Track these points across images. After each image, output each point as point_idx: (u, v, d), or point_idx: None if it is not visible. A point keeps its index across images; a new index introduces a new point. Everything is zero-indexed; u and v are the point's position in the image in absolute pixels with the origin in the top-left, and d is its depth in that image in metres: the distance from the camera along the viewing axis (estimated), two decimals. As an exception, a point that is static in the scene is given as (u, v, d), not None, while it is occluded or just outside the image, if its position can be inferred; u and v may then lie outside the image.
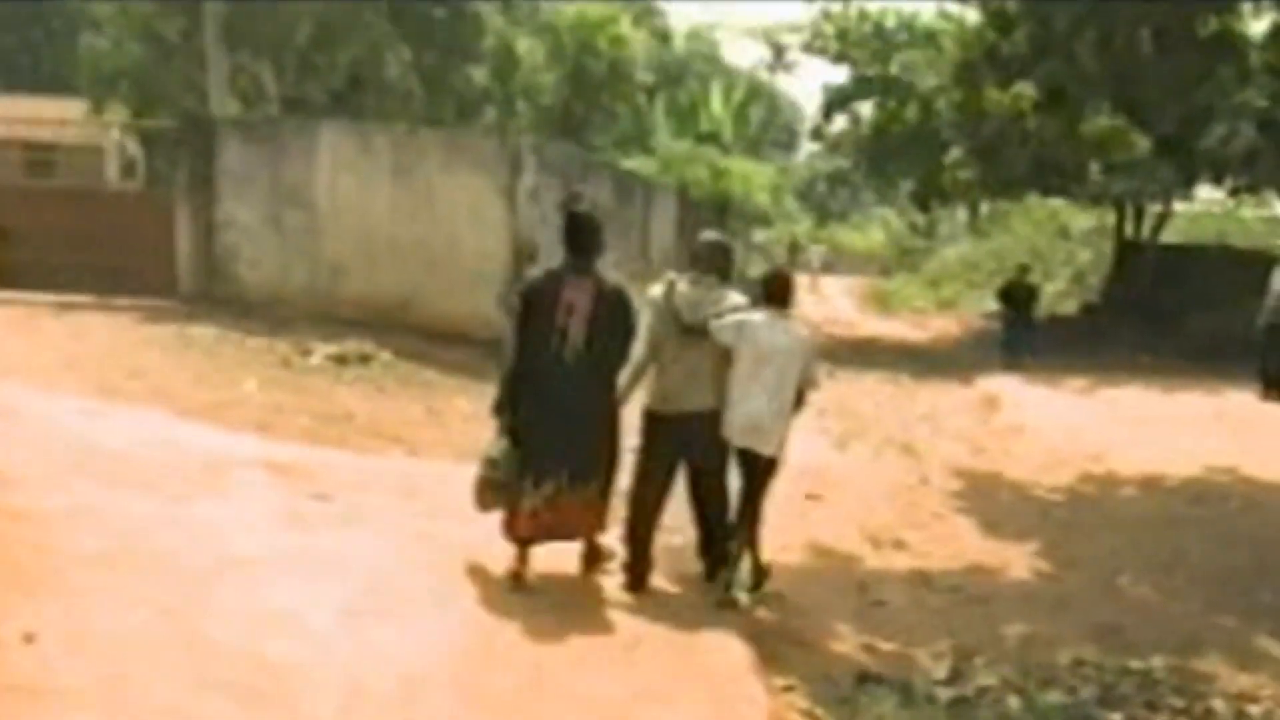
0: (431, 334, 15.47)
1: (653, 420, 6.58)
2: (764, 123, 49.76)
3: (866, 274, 50.18)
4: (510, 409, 6.34)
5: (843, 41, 24.20)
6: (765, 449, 6.47)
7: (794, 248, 47.00)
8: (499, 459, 6.29)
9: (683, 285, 6.57)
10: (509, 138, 17.69)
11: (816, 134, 26.17)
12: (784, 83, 68.07)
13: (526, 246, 15.98)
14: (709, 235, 6.92)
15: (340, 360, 14.02)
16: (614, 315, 6.30)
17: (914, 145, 23.28)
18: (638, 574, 6.61)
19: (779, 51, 24.72)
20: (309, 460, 9.14)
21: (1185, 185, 20.74)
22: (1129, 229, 25.19)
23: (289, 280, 16.44)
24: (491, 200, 16.08)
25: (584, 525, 6.48)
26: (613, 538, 6.90)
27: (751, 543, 6.71)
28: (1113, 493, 11.13)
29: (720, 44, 54.15)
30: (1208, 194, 25.85)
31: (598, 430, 6.35)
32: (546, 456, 6.23)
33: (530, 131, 26.32)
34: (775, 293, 6.60)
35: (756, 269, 38.88)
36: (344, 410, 11.80)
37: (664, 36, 47.25)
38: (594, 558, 6.70)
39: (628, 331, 6.41)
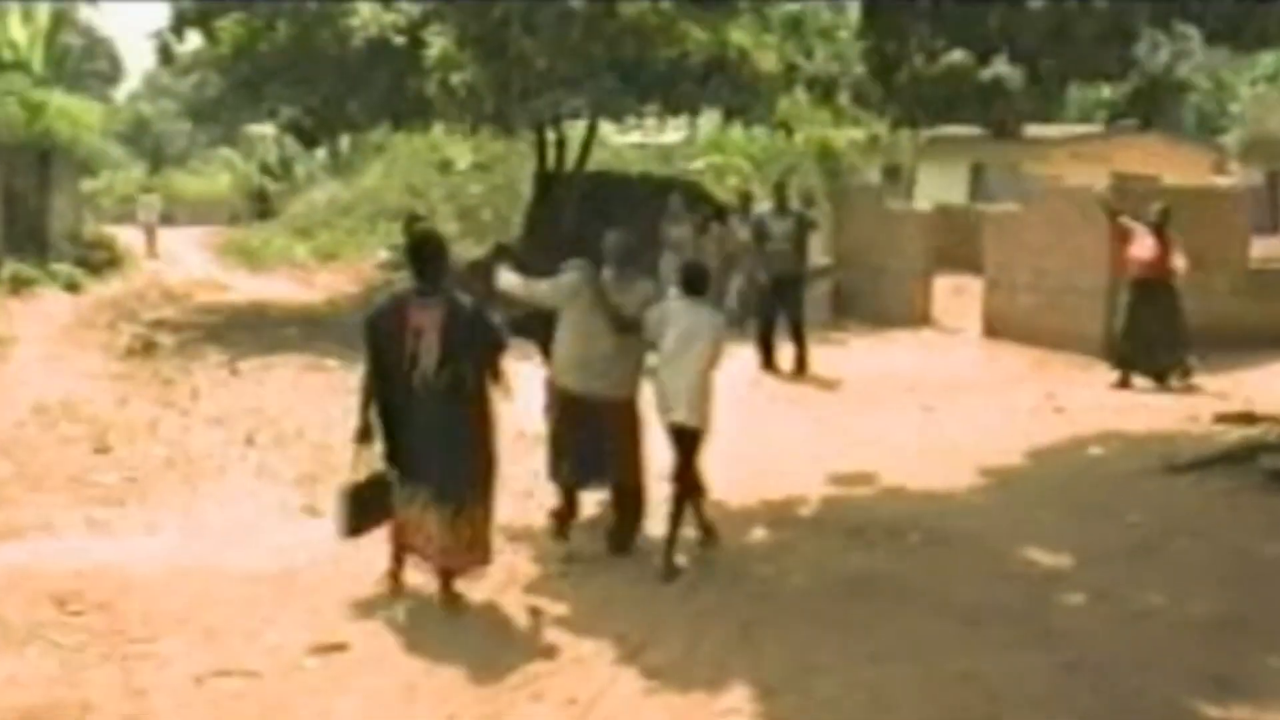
0: None
1: (565, 397, 6.97)
2: (81, 54, 42.18)
3: (213, 223, 44.24)
4: (377, 433, 6.22)
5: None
6: (692, 422, 6.76)
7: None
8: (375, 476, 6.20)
9: (609, 281, 6.88)
10: None
11: (166, 55, 20.51)
12: (91, 16, 59.08)
13: None
14: (617, 233, 7.15)
15: None
16: (470, 336, 6.08)
17: (300, 65, 18.59)
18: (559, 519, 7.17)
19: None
20: None
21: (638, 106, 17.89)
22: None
23: None
24: None
25: (436, 553, 6.18)
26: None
27: (697, 509, 7.07)
28: (744, 537, 7.61)
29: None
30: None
31: (461, 454, 6.09)
32: (411, 477, 6.12)
33: None
34: (692, 281, 6.93)
35: (91, 227, 32.61)
36: None
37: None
38: (449, 594, 6.23)
39: (488, 350, 6.22)
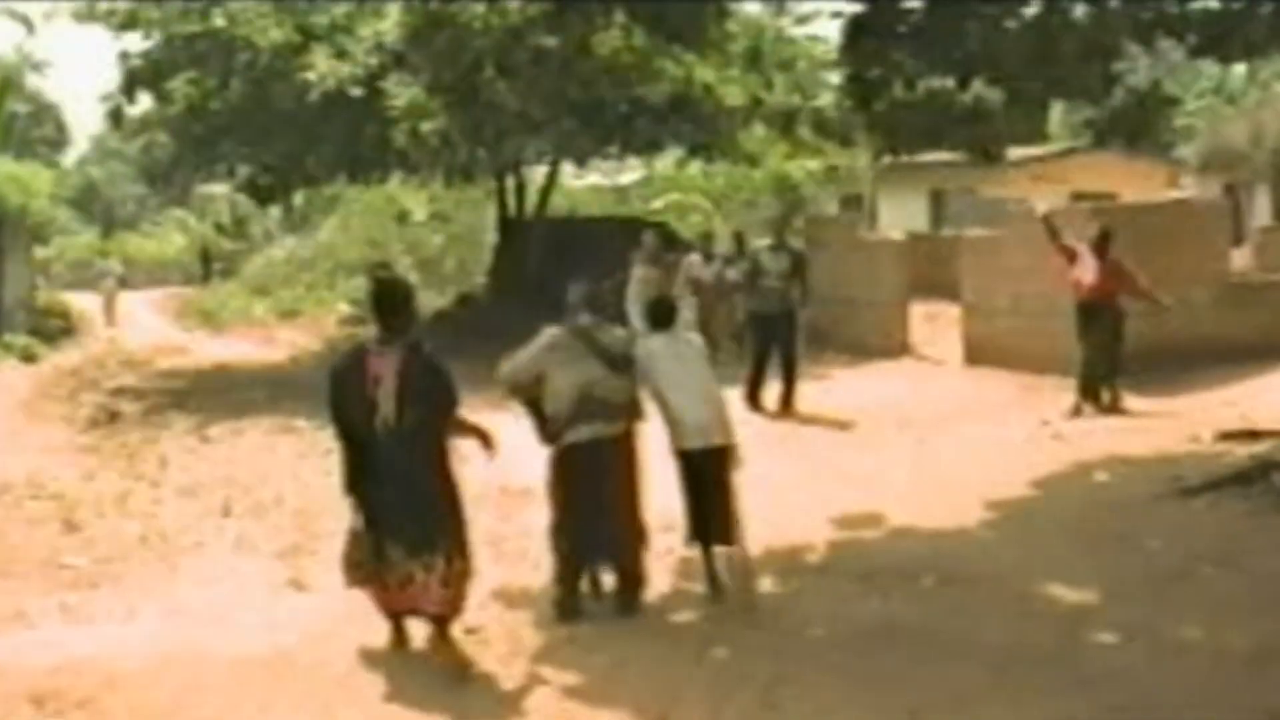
0: None
1: (567, 454, 6.72)
2: (28, 120, 41.61)
3: (168, 284, 43.69)
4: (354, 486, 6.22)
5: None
6: (722, 439, 6.91)
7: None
8: (359, 532, 6.25)
9: (593, 329, 6.80)
10: None
11: (116, 117, 20.10)
12: (37, 82, 58.31)
13: None
14: (580, 284, 7.02)
15: None
16: (425, 386, 6.05)
17: (256, 121, 18.26)
18: (565, 605, 6.74)
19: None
20: None
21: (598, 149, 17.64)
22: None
23: None
24: None
25: (430, 601, 6.05)
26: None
27: (710, 559, 7.01)
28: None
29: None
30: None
31: (429, 502, 6.05)
32: (382, 530, 6.07)
33: None
34: (661, 316, 7.14)
35: (45, 295, 32.00)
36: None
37: None
38: (441, 640, 6.12)
39: (443, 402, 6.13)
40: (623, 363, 6.77)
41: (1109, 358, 11.44)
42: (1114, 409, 11.41)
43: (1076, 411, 11.39)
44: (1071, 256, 11.68)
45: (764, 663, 6.06)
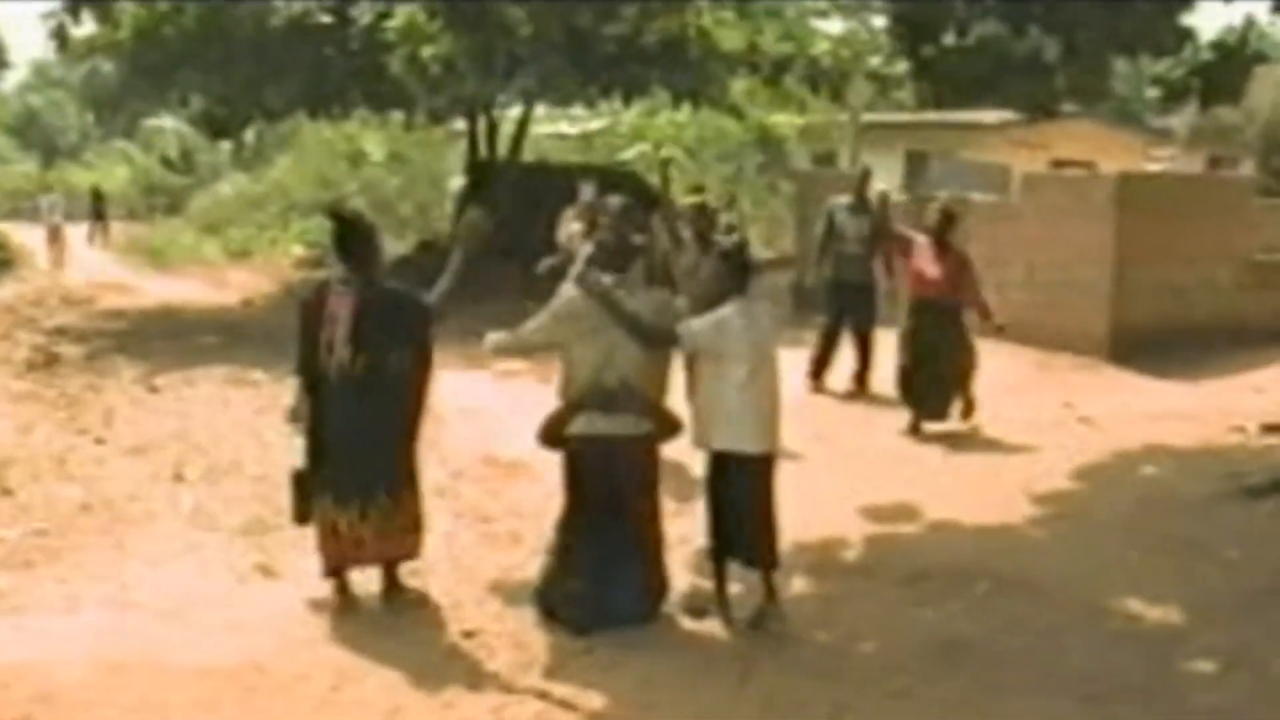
0: None
1: (579, 455, 5.67)
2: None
3: (110, 219, 41.91)
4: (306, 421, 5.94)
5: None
6: (776, 447, 5.84)
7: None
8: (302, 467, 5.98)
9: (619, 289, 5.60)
10: None
11: (60, 38, 18.69)
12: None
13: None
14: (607, 233, 5.96)
15: None
16: (385, 326, 5.80)
17: (213, 49, 17.06)
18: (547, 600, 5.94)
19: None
20: None
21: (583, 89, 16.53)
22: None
23: None
24: None
25: (377, 550, 5.94)
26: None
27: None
28: (785, 591, 6.44)
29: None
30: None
31: (390, 448, 5.90)
32: (342, 473, 5.85)
33: None
34: (738, 276, 5.73)
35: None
36: None
37: None
38: (392, 587, 6.06)
39: (409, 343, 5.88)
40: (655, 335, 5.58)
41: (953, 365, 9.75)
42: (914, 430, 9.70)
43: (914, 429, 9.70)
44: (905, 246, 9.81)
45: (818, 688, 5.23)
